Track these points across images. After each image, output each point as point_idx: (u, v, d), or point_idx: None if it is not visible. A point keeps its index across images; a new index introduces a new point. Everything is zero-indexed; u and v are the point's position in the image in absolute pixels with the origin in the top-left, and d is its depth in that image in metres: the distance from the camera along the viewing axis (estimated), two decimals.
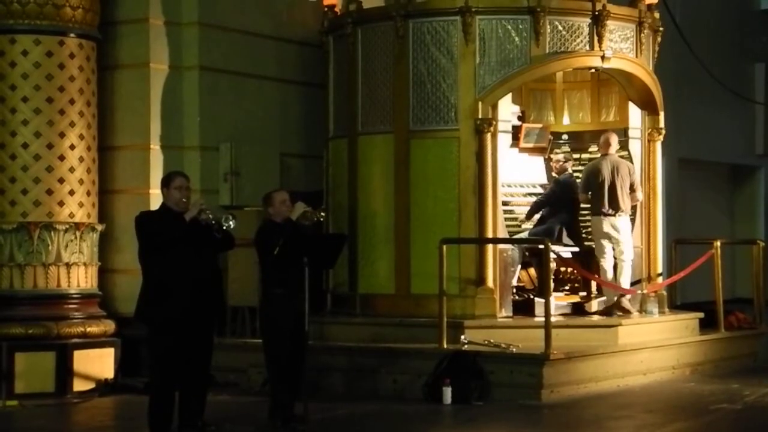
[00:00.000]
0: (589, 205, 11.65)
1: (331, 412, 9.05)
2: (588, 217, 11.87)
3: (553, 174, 11.89)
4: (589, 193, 11.53)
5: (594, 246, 11.58)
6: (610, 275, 11.39)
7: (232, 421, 8.63)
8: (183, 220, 7.94)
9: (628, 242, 11.45)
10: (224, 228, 7.99)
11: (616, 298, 11.35)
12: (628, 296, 11.43)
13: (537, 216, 11.77)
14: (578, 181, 11.75)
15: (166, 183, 8.30)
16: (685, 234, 15.24)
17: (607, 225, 11.41)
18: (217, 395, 9.54)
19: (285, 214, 8.59)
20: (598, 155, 11.79)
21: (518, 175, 11.98)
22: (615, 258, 11.45)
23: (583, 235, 11.96)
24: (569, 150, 12.46)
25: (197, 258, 8.05)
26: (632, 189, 11.48)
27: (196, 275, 8.03)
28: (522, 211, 11.90)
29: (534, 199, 11.92)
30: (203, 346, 8.19)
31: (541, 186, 12.10)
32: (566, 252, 11.36)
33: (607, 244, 11.42)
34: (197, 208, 7.96)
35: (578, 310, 11.54)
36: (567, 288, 11.70)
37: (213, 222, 7.92)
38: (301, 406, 8.35)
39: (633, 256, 11.51)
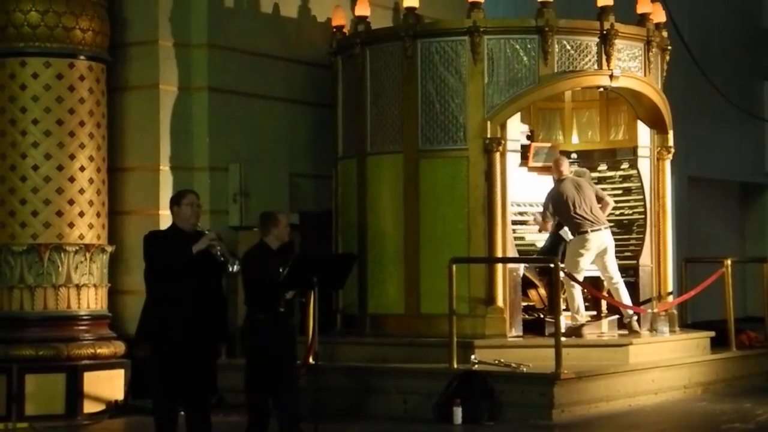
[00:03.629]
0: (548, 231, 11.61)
1: None
2: None
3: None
4: (555, 218, 11.49)
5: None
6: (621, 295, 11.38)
7: None
8: (190, 250, 7.91)
9: (612, 258, 11.35)
10: (228, 270, 7.99)
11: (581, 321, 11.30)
12: (635, 315, 11.42)
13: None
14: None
15: (176, 201, 8.26)
16: (695, 252, 15.25)
17: (594, 241, 11.35)
18: (228, 417, 9.55)
19: (284, 239, 8.59)
20: (609, 174, 11.85)
21: (527, 194, 11.98)
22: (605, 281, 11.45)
23: None
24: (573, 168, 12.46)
25: (200, 284, 8.02)
26: (599, 200, 11.45)
27: (198, 302, 7.97)
28: (531, 233, 11.89)
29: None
30: (203, 369, 8.16)
31: None
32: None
33: (582, 262, 11.33)
34: (207, 242, 7.93)
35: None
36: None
37: (222, 259, 7.91)
38: (306, 427, 8.33)
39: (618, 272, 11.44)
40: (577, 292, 11.30)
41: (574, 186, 11.40)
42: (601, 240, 11.28)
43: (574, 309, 11.25)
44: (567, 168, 11.56)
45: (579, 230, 11.26)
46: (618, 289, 11.35)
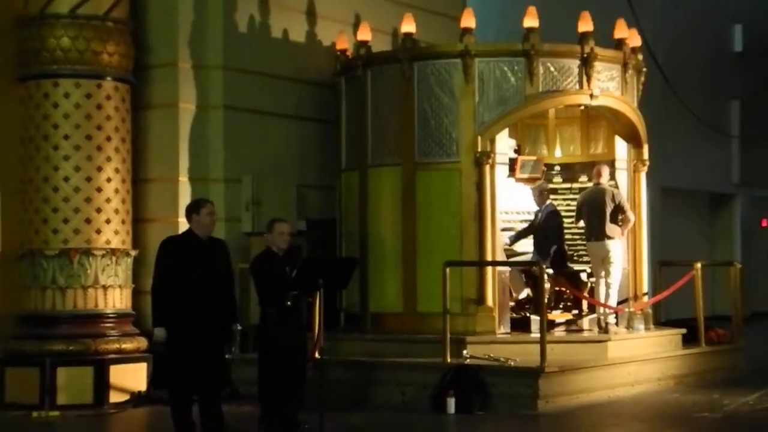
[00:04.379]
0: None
1: (344, 420, 9.06)
2: (580, 242, 11.96)
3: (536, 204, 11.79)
4: (580, 221, 11.69)
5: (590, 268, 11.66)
6: (600, 295, 11.43)
7: (253, 429, 8.63)
8: (203, 254, 7.99)
9: (614, 265, 11.40)
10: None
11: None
12: (612, 315, 11.45)
13: (526, 241, 11.79)
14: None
15: (195, 209, 8.18)
16: (668, 256, 15.25)
17: (592, 250, 11.48)
18: (241, 406, 9.57)
19: (280, 245, 8.60)
20: (589, 184, 11.88)
21: (515, 203, 12.00)
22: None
23: (575, 258, 12.01)
24: (560, 181, 12.51)
25: (211, 286, 8.02)
26: (622, 212, 11.47)
27: (205, 303, 7.95)
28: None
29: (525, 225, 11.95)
30: (215, 361, 8.17)
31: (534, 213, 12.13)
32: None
33: (596, 267, 11.47)
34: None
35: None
36: (561, 306, 11.69)
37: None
38: (308, 415, 8.34)
39: (620, 278, 11.49)
40: (599, 286, 11.39)
41: (592, 196, 11.51)
42: (606, 249, 11.33)
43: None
44: (605, 176, 11.58)
45: (586, 237, 11.56)
46: (608, 288, 11.37)
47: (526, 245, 11.85)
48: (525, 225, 11.92)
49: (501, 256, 11.18)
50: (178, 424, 8.07)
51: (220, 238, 8.40)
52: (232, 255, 8.45)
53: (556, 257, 11.43)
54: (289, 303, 8.42)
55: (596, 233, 11.42)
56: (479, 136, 10.97)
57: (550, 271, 11.05)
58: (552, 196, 11.96)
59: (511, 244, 11.74)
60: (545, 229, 11.52)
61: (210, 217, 8.09)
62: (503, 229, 11.52)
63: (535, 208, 11.82)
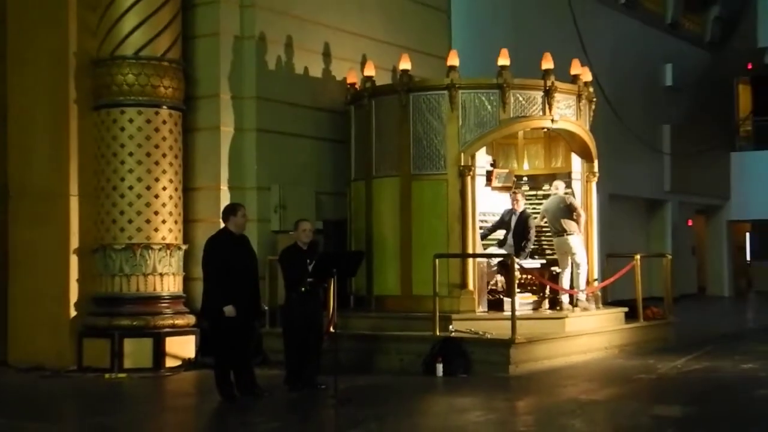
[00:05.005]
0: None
1: (353, 382, 9.06)
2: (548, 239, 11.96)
3: (515, 208, 11.73)
4: (544, 220, 11.71)
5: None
6: (564, 281, 11.46)
7: (279, 388, 8.66)
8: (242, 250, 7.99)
9: (577, 255, 11.45)
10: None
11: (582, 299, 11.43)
12: (584, 296, 11.47)
13: (497, 236, 11.79)
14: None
15: (233, 211, 8.28)
16: (613, 250, 15.24)
17: (557, 244, 11.49)
18: (271, 369, 9.60)
19: (304, 240, 8.60)
20: (551, 193, 11.89)
21: (490, 207, 11.98)
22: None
23: (546, 253, 11.98)
24: (527, 189, 12.49)
25: (246, 274, 8.08)
26: (576, 212, 11.46)
27: (245, 286, 8.04)
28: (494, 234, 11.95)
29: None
30: (250, 335, 8.20)
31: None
32: (530, 264, 11.36)
33: (561, 258, 11.46)
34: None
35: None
36: (529, 290, 11.70)
37: None
38: (324, 377, 8.36)
39: (585, 265, 11.51)
40: (564, 274, 11.41)
41: (548, 202, 11.54)
42: (569, 244, 11.37)
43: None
44: (558, 188, 11.61)
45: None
46: (577, 274, 11.42)
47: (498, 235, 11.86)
48: (493, 223, 11.86)
49: (480, 250, 11.17)
50: (222, 383, 8.09)
51: (245, 235, 8.49)
52: (263, 249, 8.53)
53: (528, 253, 11.45)
54: (303, 289, 8.44)
55: (557, 230, 11.45)
56: (462, 152, 10.97)
57: (527, 263, 11.06)
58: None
59: (483, 239, 11.70)
60: (522, 230, 11.48)
61: (244, 218, 8.21)
62: (480, 227, 11.50)
63: (503, 209, 11.79)
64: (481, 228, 11.55)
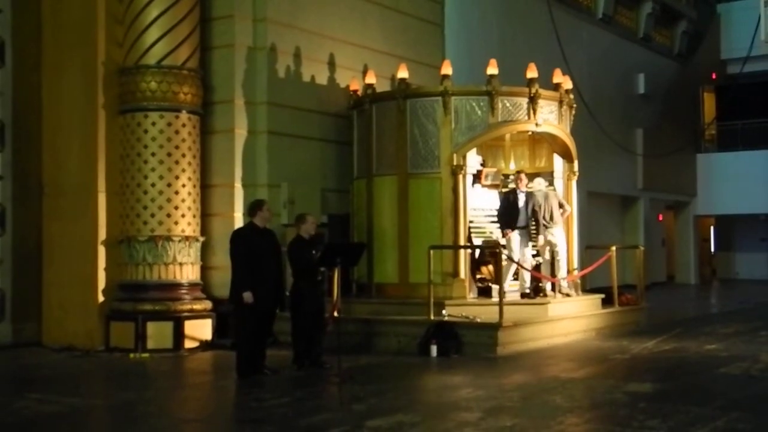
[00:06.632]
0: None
1: (355, 362, 9.05)
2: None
3: (519, 187, 11.27)
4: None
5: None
6: (546, 269, 11.39)
7: (288, 368, 8.62)
8: (265, 242, 7.97)
9: (558, 245, 11.37)
10: None
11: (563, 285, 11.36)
12: (565, 283, 11.42)
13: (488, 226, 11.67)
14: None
15: (259, 207, 8.35)
16: (591, 242, 15.23)
17: (543, 234, 11.40)
18: (280, 351, 9.56)
19: (311, 232, 8.58)
20: (535, 190, 11.76)
21: (480, 203, 11.93)
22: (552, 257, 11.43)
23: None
24: (511, 185, 12.31)
25: (269, 263, 8.06)
26: (561, 207, 11.38)
27: (268, 275, 8.03)
28: (481, 226, 11.81)
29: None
30: (268, 320, 8.18)
31: (496, 210, 11.93)
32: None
33: (542, 248, 11.38)
34: None
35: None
36: (515, 278, 11.63)
37: None
38: (329, 357, 8.33)
39: (565, 255, 11.44)
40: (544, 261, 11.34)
41: (526, 197, 11.26)
42: (552, 234, 11.27)
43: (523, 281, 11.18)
44: (525, 183, 11.31)
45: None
46: (558, 262, 11.31)
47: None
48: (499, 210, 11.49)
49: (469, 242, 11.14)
50: (243, 362, 8.06)
51: (270, 228, 8.45)
52: None
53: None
54: (320, 278, 8.44)
55: (545, 223, 11.34)
56: (455, 153, 10.93)
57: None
58: None
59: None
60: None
61: (269, 212, 8.31)
62: (470, 222, 11.45)
63: (496, 206, 11.69)
64: (487, 219, 11.50)
